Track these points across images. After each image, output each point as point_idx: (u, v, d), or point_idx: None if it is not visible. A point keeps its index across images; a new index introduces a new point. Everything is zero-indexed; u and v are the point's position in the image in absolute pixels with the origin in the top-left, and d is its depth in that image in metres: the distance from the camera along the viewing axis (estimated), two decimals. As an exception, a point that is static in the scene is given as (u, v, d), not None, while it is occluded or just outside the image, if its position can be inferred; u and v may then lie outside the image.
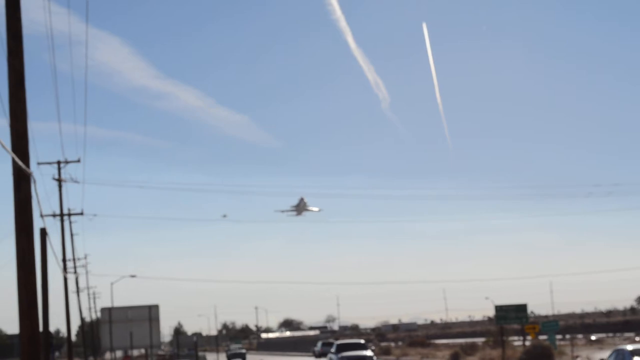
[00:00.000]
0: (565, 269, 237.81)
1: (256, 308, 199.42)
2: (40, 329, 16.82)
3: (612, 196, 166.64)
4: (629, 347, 28.33)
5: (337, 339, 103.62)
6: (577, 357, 51.36)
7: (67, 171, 60.21)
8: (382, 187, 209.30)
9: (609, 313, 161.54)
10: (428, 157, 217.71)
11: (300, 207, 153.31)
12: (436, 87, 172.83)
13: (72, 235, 70.03)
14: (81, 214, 61.97)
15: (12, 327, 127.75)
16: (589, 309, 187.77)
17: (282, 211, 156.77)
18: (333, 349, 54.56)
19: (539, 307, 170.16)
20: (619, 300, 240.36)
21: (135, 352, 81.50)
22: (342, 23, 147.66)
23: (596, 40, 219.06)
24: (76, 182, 55.91)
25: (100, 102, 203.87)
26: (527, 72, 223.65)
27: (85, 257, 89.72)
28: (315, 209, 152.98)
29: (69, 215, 61.52)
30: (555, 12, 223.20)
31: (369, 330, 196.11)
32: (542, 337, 59.73)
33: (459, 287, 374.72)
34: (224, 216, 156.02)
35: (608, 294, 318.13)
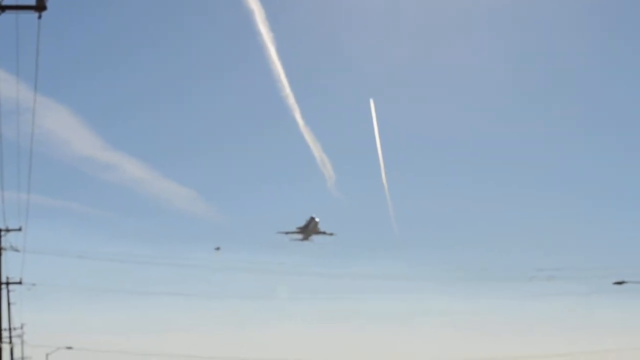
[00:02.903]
0: (506, 353, 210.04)
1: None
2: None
3: (553, 281, 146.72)
4: None
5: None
6: None
7: (8, 239, 63.36)
8: (325, 266, 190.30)
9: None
10: (372, 236, 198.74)
11: (309, 230, 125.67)
12: (382, 166, 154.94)
13: (9, 304, 72.83)
14: (20, 282, 66.00)
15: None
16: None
17: (287, 233, 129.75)
18: None
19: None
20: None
21: None
22: (291, 100, 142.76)
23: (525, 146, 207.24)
24: (16, 250, 60.34)
25: (46, 171, 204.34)
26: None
27: (22, 327, 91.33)
28: (328, 232, 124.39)
29: (7, 284, 64.98)
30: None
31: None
32: None
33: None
34: (217, 248, 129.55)
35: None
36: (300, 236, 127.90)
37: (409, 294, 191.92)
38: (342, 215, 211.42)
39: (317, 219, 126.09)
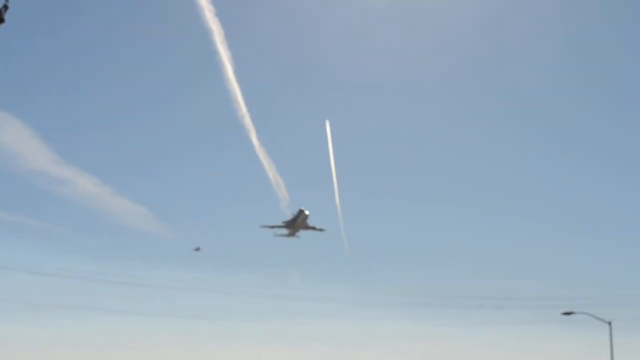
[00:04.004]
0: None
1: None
2: None
3: (503, 309, 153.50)
4: None
5: None
6: None
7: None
8: (276, 287, 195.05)
9: None
10: (323, 260, 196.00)
11: (297, 224, 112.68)
12: (336, 189, 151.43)
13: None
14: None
15: None
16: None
17: (272, 227, 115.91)
18: None
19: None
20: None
21: None
22: (247, 121, 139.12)
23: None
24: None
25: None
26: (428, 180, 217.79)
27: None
28: (318, 227, 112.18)
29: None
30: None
31: None
32: None
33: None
34: (197, 249, 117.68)
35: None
36: (286, 231, 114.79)
37: (357, 318, 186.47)
38: (295, 238, 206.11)
39: (306, 212, 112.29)
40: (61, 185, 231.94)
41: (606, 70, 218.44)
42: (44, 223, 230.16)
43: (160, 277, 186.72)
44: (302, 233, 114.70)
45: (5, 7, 30.42)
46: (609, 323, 66.93)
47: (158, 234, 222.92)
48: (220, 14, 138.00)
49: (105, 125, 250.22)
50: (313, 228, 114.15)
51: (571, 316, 67.96)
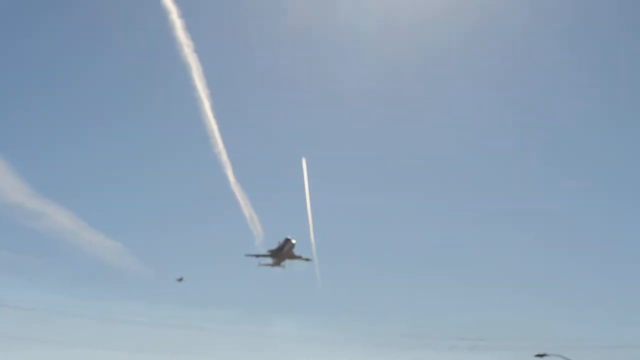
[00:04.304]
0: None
1: None
2: None
3: (475, 350, 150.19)
4: None
5: None
6: None
7: None
8: (249, 323, 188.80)
9: None
10: (297, 296, 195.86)
11: (283, 253, 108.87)
12: (311, 226, 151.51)
13: None
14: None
15: None
16: None
17: (257, 256, 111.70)
18: None
19: None
20: None
21: None
22: (224, 157, 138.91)
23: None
24: None
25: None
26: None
27: None
28: (304, 257, 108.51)
29: None
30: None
31: None
32: None
33: None
34: (180, 279, 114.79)
35: None
36: (271, 260, 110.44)
37: (329, 357, 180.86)
38: (270, 273, 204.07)
39: (293, 241, 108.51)
40: (36, 219, 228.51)
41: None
42: (17, 255, 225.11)
43: (134, 312, 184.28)
44: (287, 263, 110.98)
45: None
46: (582, 366, 67.32)
47: (133, 270, 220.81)
48: (199, 49, 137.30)
49: (83, 160, 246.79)
50: (299, 257, 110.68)
51: (544, 358, 68.51)
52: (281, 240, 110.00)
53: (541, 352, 67.84)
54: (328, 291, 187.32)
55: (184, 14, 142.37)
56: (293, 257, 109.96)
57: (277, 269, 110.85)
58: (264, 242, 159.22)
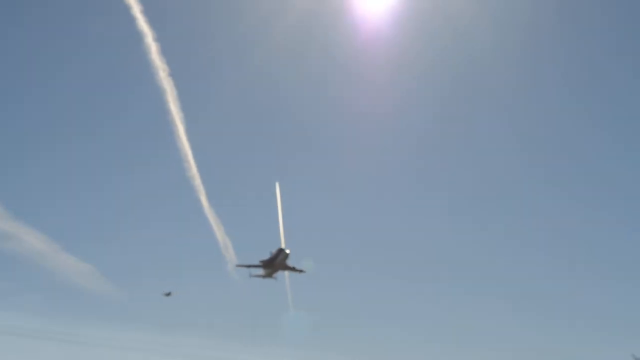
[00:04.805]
0: None
1: None
2: None
3: None
4: None
5: None
6: None
7: None
8: (218, 349, 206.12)
9: None
10: (269, 321, 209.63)
11: (276, 264, 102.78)
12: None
13: None
14: None
15: None
16: None
17: (248, 266, 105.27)
18: None
19: None
20: None
21: None
22: (197, 181, 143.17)
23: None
24: None
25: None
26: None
27: None
28: (298, 268, 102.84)
29: None
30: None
31: None
32: None
33: None
34: (169, 294, 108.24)
35: None
36: (263, 271, 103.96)
37: None
38: (241, 299, 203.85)
39: (287, 251, 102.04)
40: (8, 241, 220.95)
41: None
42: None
43: (103, 336, 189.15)
44: (279, 274, 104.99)
45: None
46: None
47: (104, 293, 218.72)
48: (174, 74, 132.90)
49: (56, 183, 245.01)
50: (293, 269, 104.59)
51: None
52: (273, 250, 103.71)
53: None
54: (300, 317, 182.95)
55: (159, 38, 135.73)
56: (286, 268, 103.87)
57: (268, 280, 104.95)
58: (236, 270, 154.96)
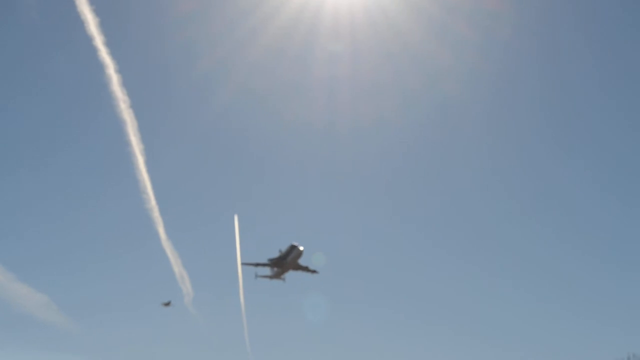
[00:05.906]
0: None
1: None
2: None
3: None
4: None
5: None
6: None
7: None
8: None
9: None
10: (224, 357, 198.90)
11: (287, 262, 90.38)
12: (241, 286, 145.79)
13: None
14: None
15: None
16: None
17: (255, 265, 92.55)
18: None
19: None
20: None
21: None
22: (155, 213, 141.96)
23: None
24: None
25: None
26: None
27: None
28: (311, 268, 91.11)
29: None
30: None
31: None
32: None
33: None
34: (168, 304, 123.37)
35: None
36: (271, 271, 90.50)
37: None
38: (198, 333, 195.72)
39: (300, 248, 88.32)
40: None
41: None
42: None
43: None
44: (289, 275, 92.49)
45: None
46: None
47: (58, 324, 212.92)
48: (135, 105, 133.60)
49: (12, 214, 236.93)
50: (306, 269, 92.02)
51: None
52: (282, 249, 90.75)
53: None
54: (256, 352, 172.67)
55: (121, 69, 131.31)
56: (298, 267, 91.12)
57: (276, 281, 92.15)
58: (194, 302, 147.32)
